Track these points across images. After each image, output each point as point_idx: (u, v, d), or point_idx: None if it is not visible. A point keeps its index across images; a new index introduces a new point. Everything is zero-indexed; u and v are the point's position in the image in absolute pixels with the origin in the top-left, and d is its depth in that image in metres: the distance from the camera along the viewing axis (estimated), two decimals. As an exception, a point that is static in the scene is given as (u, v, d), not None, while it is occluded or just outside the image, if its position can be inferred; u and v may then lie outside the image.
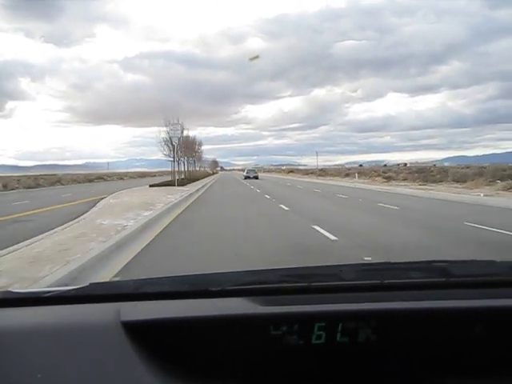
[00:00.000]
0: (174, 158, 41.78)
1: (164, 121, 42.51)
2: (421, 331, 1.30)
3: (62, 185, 53.81)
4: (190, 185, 38.52)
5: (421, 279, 1.49)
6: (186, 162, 68.04)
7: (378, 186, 36.66)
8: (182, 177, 54.61)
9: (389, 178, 48.43)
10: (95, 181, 69.40)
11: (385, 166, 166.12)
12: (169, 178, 42.93)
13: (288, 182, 50.85)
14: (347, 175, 66.27)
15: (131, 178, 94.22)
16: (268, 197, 24.01)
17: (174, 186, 33.77)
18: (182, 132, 51.51)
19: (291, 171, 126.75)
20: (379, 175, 54.78)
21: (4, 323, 1.30)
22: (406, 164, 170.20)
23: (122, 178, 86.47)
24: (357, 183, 42.95)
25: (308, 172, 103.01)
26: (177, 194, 24.00)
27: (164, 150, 43.13)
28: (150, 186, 34.95)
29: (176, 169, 43.94)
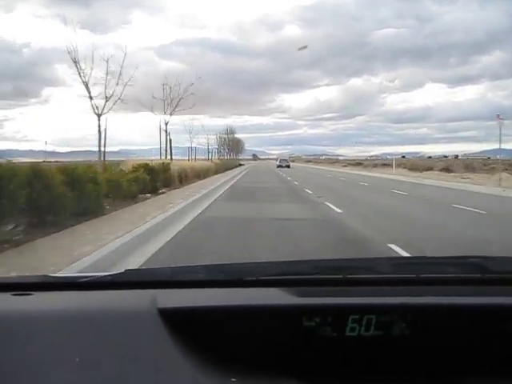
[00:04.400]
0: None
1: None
2: (455, 327, 1.28)
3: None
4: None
5: (456, 274, 1.47)
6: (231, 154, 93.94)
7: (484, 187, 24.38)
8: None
9: (448, 171, 41.62)
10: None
11: (429, 157, 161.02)
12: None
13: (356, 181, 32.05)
14: (413, 169, 48.02)
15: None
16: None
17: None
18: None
19: (336, 161, 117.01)
20: (444, 169, 44.55)
21: (41, 307, 1.33)
22: (457, 156, 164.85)
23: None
24: (440, 181, 30.58)
25: (352, 163, 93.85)
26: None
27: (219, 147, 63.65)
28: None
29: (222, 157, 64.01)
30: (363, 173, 49.94)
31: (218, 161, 55.88)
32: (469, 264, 1.58)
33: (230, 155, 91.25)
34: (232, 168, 58.51)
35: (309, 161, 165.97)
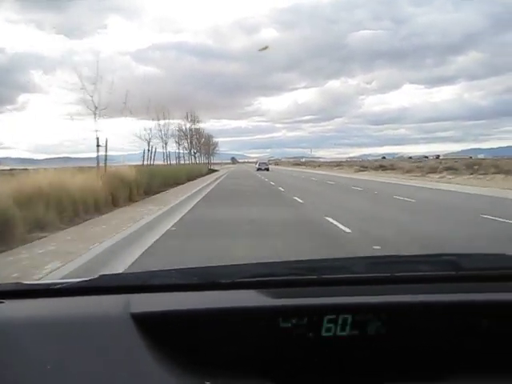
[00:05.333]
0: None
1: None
2: (430, 325, 1.29)
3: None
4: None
5: (430, 272, 1.46)
6: (202, 157, 69.07)
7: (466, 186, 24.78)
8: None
9: (424, 172, 40.90)
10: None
11: (410, 158, 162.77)
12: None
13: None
14: (384, 168, 54.20)
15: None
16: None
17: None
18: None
19: (319, 165, 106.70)
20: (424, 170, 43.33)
21: (14, 314, 1.31)
22: (438, 156, 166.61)
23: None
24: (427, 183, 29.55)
25: (332, 164, 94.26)
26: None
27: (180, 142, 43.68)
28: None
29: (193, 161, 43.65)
30: (355, 176, 48.84)
31: (165, 166, 34.74)
32: (443, 262, 1.58)
33: (198, 158, 66.12)
34: (193, 179, 33.82)
35: (297, 164, 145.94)
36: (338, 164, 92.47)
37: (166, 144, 37.83)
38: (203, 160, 74.28)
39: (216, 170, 70.11)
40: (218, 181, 36.06)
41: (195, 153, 60.76)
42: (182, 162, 47.33)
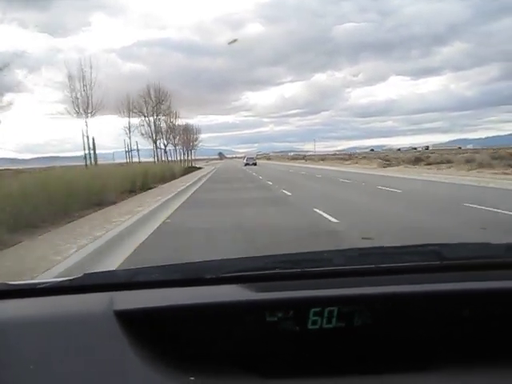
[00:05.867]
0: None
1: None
2: (416, 315, 1.30)
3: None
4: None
5: (415, 262, 1.47)
6: (182, 151, 57.96)
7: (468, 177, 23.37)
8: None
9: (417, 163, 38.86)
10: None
11: (398, 150, 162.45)
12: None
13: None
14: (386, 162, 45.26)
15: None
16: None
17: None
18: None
19: (322, 159, 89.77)
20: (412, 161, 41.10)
21: None
22: (427, 147, 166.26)
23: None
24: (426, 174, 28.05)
25: (341, 158, 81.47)
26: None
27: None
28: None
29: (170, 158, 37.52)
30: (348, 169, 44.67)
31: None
32: (427, 252, 1.58)
33: (177, 154, 56.81)
34: (147, 188, 21.54)
35: (294, 158, 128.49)
36: (349, 157, 78.30)
37: (155, 142, 35.87)
38: (185, 156, 65.40)
39: (198, 168, 59.27)
40: (187, 194, 20.27)
41: (166, 149, 50.98)
42: (172, 158, 43.97)
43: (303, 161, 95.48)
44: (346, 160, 68.72)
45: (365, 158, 71.88)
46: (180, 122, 52.70)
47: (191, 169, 53.48)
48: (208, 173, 46.03)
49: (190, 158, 66.11)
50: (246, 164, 72.27)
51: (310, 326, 1.26)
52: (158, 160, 38.30)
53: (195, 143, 73.85)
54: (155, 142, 35.97)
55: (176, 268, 1.58)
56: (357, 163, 58.26)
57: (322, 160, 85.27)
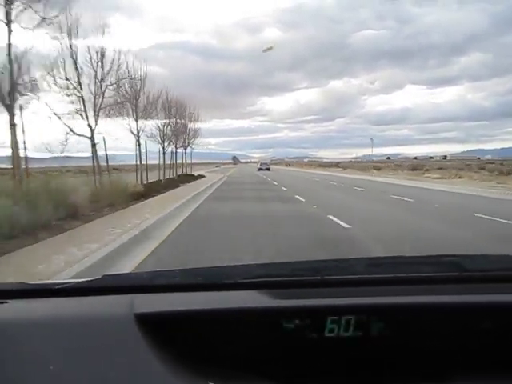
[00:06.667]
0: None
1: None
2: (434, 326, 1.28)
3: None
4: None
5: (433, 273, 1.45)
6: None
7: None
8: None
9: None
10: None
11: (415, 158, 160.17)
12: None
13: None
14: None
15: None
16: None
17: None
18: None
19: (338, 166, 79.74)
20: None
21: (17, 315, 1.31)
22: (445, 157, 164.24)
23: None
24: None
25: (368, 166, 70.77)
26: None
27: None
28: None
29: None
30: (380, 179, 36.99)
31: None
32: (446, 263, 1.57)
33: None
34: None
35: (322, 166, 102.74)
36: (380, 165, 68.50)
37: (162, 144, 31.91)
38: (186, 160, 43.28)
39: (201, 177, 39.91)
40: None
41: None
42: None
43: (340, 168, 76.39)
44: (376, 169, 59.84)
45: (387, 166, 66.70)
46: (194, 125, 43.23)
47: (184, 178, 34.01)
48: (217, 182, 33.00)
49: (185, 161, 42.43)
50: (260, 169, 72.83)
51: (326, 334, 1.26)
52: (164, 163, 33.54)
53: (191, 140, 43.35)
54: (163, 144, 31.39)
55: (196, 272, 1.58)
56: (396, 172, 50.52)
57: (343, 168, 74.15)
